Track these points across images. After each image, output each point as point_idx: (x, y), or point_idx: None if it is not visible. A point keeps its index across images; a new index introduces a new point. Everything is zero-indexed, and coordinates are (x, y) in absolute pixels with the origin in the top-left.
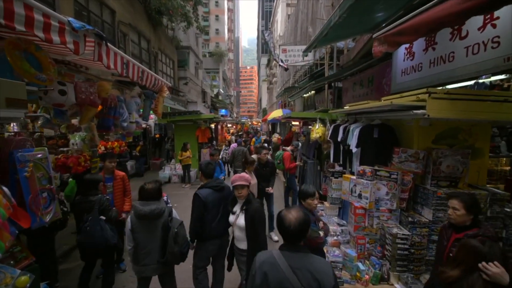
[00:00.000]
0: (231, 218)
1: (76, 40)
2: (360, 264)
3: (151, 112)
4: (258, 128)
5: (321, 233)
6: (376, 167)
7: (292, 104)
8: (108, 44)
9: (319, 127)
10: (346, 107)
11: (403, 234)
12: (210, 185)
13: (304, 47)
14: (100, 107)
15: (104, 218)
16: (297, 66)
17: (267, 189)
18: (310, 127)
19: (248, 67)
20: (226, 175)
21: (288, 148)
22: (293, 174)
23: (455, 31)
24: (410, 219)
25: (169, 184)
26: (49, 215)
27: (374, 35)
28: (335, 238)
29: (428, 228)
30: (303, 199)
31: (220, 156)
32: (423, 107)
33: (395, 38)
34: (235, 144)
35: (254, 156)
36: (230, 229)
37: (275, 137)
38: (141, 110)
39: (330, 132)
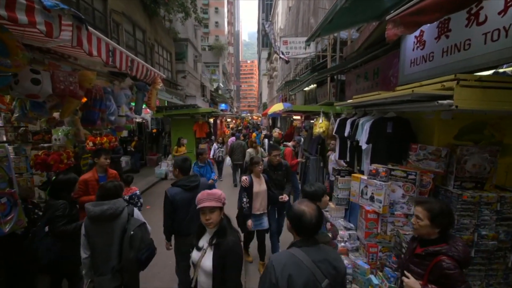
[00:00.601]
0: (194, 255)
1: (49, 21)
2: (373, 277)
3: (144, 105)
4: (259, 123)
5: (329, 235)
6: (389, 166)
7: (293, 98)
8: (90, 28)
9: (322, 121)
10: (355, 99)
11: None
12: (181, 183)
13: (306, 38)
14: (84, 99)
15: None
16: (299, 59)
17: (280, 197)
18: (312, 121)
19: (249, 61)
20: (217, 175)
21: (290, 143)
22: (295, 171)
23: (472, 16)
24: None
25: (165, 180)
26: (9, 224)
27: (388, 17)
28: (342, 244)
29: None
30: (314, 200)
31: (212, 155)
32: (449, 97)
33: (414, 18)
34: (233, 138)
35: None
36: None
37: (276, 132)
38: (133, 104)
39: (335, 126)
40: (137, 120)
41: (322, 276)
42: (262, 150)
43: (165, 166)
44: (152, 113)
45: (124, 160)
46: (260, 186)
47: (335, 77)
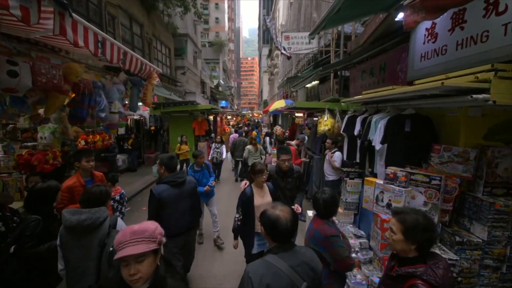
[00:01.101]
0: None
1: (25, 5)
2: None
3: (140, 102)
4: (259, 120)
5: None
6: (408, 169)
7: (294, 95)
8: (75, 15)
9: (327, 118)
10: (365, 94)
11: (448, 259)
12: (167, 179)
13: (308, 33)
14: (72, 94)
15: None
16: (300, 54)
17: (292, 207)
18: (316, 119)
19: (249, 58)
20: (216, 179)
21: (293, 142)
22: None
23: (491, 5)
24: (457, 238)
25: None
26: None
27: (406, 2)
28: (353, 255)
29: (481, 251)
30: (330, 211)
31: (210, 157)
32: (484, 90)
33: (437, 1)
34: (236, 134)
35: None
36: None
37: (278, 130)
38: (126, 100)
39: (344, 124)
40: (135, 117)
41: (300, 280)
42: (261, 147)
43: None
44: (150, 109)
45: (121, 158)
46: (262, 198)
47: (338, 73)
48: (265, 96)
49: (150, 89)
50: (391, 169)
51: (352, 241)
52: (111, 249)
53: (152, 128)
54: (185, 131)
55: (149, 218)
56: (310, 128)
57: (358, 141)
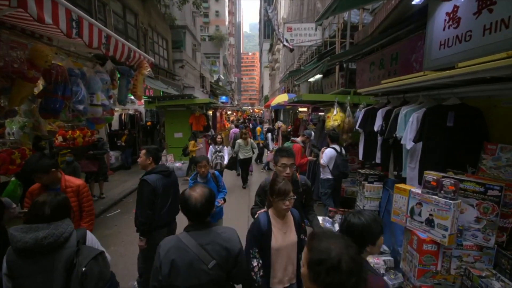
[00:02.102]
0: None
1: None
2: None
3: (130, 94)
4: (260, 116)
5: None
6: (451, 174)
7: (296, 90)
8: None
9: (337, 112)
10: (386, 83)
11: None
12: (158, 170)
13: (312, 24)
14: (42, 82)
15: None
16: (303, 48)
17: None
18: (321, 113)
19: (250, 53)
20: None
21: (298, 139)
22: (304, 172)
23: None
24: None
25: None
26: None
27: None
28: None
29: None
30: (364, 241)
31: (211, 160)
32: None
33: None
34: (237, 129)
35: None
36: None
37: (282, 126)
38: (112, 91)
39: (360, 118)
40: (130, 112)
41: (209, 258)
42: (252, 141)
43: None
44: (144, 104)
45: (114, 156)
46: (285, 236)
47: (344, 65)
48: (266, 91)
49: (141, 80)
50: (431, 175)
51: (374, 260)
52: (83, 269)
53: (148, 123)
54: (182, 126)
55: (144, 209)
56: (315, 123)
57: (379, 138)
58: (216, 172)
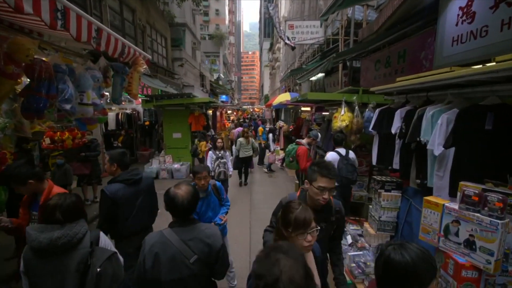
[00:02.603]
0: None
1: None
2: None
3: (125, 93)
4: (260, 115)
5: None
6: (490, 186)
7: (297, 89)
8: None
9: (345, 112)
10: (403, 81)
11: None
12: (122, 178)
13: (314, 22)
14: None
15: None
16: (305, 46)
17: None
18: (326, 113)
19: (250, 52)
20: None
21: (304, 140)
22: None
23: None
24: None
25: (156, 180)
26: None
27: None
28: None
29: None
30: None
31: (212, 169)
32: None
33: None
34: (241, 128)
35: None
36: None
37: (284, 125)
38: (104, 89)
39: (374, 119)
40: (127, 111)
41: (191, 253)
42: (253, 140)
43: (157, 164)
44: (142, 103)
45: None
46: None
47: (348, 64)
48: (266, 90)
49: (137, 78)
50: (470, 188)
51: None
52: (98, 270)
53: (147, 123)
54: (181, 126)
55: (100, 222)
56: (319, 123)
57: (397, 142)
58: (218, 183)
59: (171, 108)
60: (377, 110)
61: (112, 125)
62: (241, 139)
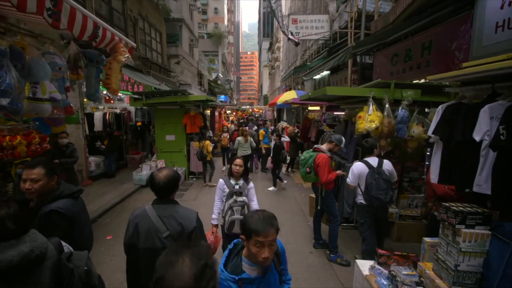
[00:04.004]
0: None
1: None
2: None
3: (102, 87)
4: (260, 116)
5: None
6: None
7: (299, 88)
8: None
9: (373, 111)
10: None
11: None
12: (68, 191)
13: (321, 16)
14: None
15: None
16: (308, 43)
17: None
18: (341, 113)
19: (249, 53)
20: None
21: (323, 146)
22: (331, 191)
23: None
24: None
25: (147, 188)
26: None
27: None
28: None
29: None
30: None
31: (221, 212)
32: None
33: None
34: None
35: None
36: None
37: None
38: (68, 82)
39: (436, 120)
40: (116, 110)
41: (164, 228)
42: (251, 139)
43: (147, 170)
44: (130, 101)
45: (94, 162)
46: None
47: (358, 59)
48: (265, 90)
49: (117, 69)
50: None
51: None
52: (85, 268)
53: (139, 123)
54: (175, 127)
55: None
56: (331, 125)
57: (484, 153)
58: (280, 246)
59: (163, 107)
60: (442, 107)
61: (98, 126)
62: (239, 138)
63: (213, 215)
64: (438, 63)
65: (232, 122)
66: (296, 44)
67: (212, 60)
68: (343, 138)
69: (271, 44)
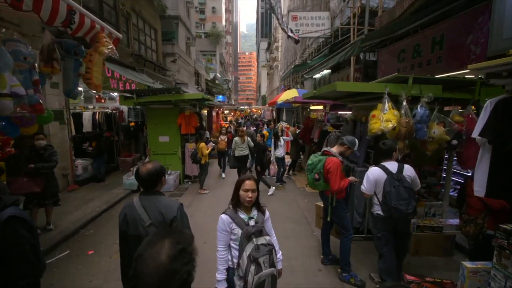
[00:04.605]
0: None
1: None
2: None
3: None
4: (258, 116)
5: None
6: None
7: (298, 88)
8: None
9: (388, 110)
10: None
11: None
12: (11, 199)
13: (320, 13)
14: None
15: None
16: (307, 42)
17: None
18: (345, 112)
19: (247, 53)
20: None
21: (334, 149)
22: (343, 200)
23: None
24: None
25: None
26: None
27: None
28: None
29: None
30: None
31: (230, 263)
32: None
33: None
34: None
35: None
36: None
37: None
38: (37, 74)
39: (482, 119)
40: (107, 110)
41: (146, 217)
42: (249, 139)
43: None
44: (120, 100)
45: (81, 165)
46: None
47: (361, 57)
48: (263, 91)
49: (99, 62)
50: None
51: None
52: None
53: (132, 124)
54: (168, 128)
55: (26, 264)
56: (336, 125)
57: None
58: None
59: (156, 106)
60: (490, 103)
61: (88, 127)
62: (236, 138)
63: (217, 274)
64: (451, 59)
65: (230, 122)
66: (296, 41)
67: (210, 60)
68: (356, 140)
69: (269, 44)
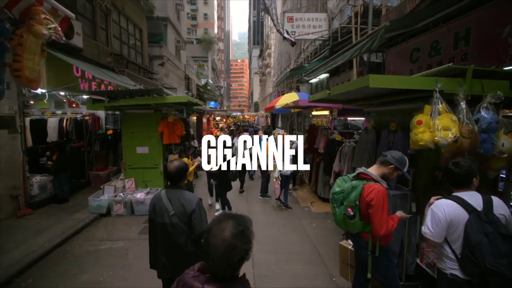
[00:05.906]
0: None
1: None
2: None
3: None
4: (251, 123)
5: None
6: None
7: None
8: None
9: (441, 114)
10: None
11: None
12: None
13: (318, 14)
14: None
15: None
16: (303, 45)
17: None
18: (357, 118)
19: (239, 60)
20: None
21: (374, 171)
22: (389, 247)
23: None
24: None
25: (107, 218)
26: None
27: None
28: None
29: None
30: None
31: None
32: None
33: None
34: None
35: None
36: None
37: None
38: None
39: None
40: (77, 116)
41: (171, 207)
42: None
43: (111, 192)
44: (87, 105)
45: (38, 183)
46: None
47: (364, 58)
48: (256, 97)
49: (34, 47)
50: None
51: None
52: None
53: (109, 132)
54: (148, 137)
55: None
56: (345, 133)
57: None
58: None
59: (133, 111)
60: None
61: (53, 136)
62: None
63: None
64: (480, 56)
65: (222, 129)
66: (293, 43)
67: (201, 66)
68: (405, 158)
69: (261, 51)
